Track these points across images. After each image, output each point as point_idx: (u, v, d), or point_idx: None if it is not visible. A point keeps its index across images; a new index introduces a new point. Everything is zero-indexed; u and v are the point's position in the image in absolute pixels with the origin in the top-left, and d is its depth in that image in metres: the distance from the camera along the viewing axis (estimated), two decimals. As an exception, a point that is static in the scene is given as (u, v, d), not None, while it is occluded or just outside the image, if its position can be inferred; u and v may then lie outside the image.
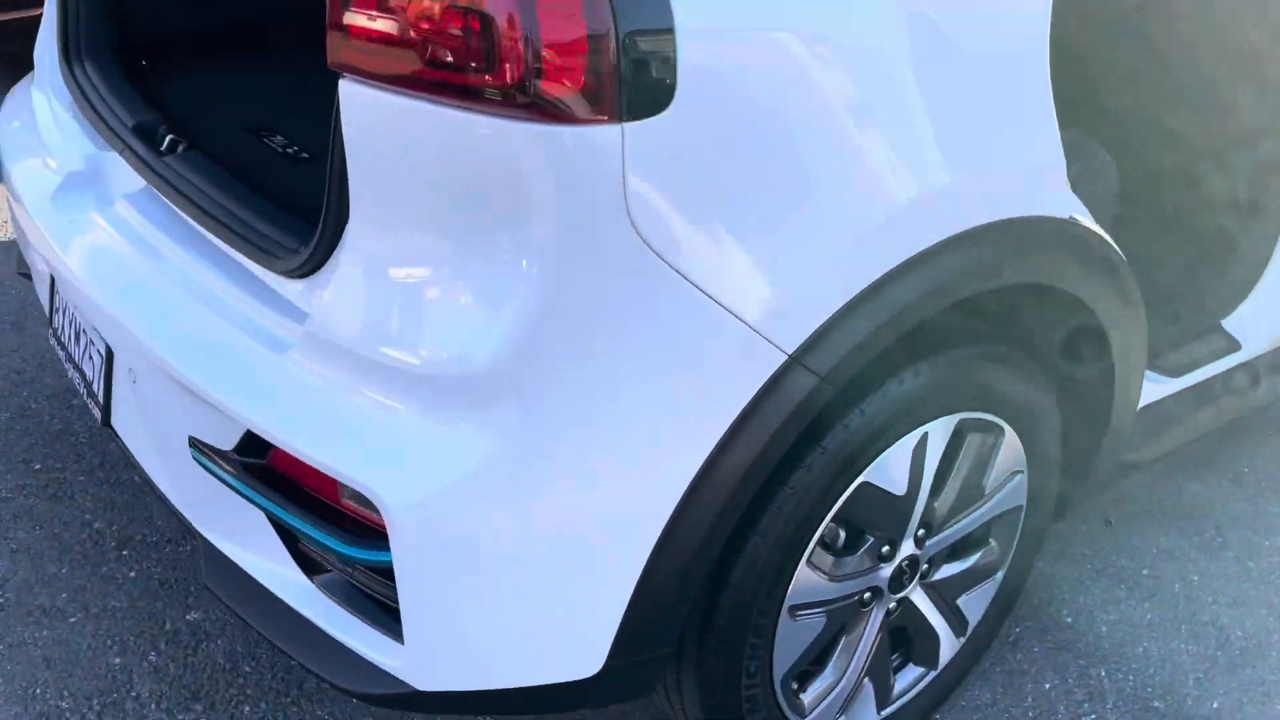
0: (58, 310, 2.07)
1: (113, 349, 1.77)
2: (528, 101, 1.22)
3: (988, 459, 1.84)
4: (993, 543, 1.97)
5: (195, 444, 1.59)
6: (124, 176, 1.91)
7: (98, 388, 1.89)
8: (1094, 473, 2.07)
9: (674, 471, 1.42)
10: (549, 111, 1.22)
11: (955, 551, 1.93)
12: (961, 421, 1.75)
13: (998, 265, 1.61)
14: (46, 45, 2.35)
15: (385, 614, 1.50)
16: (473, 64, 1.22)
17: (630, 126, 1.25)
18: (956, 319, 1.66)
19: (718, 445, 1.43)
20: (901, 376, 1.62)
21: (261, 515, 1.58)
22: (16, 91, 2.47)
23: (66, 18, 2.26)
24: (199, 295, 1.64)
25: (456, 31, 1.21)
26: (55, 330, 2.10)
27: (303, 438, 1.42)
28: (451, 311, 1.36)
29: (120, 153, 1.91)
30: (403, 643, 1.45)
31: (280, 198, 1.78)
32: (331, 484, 1.48)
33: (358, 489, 1.39)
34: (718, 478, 1.44)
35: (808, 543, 1.63)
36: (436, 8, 1.22)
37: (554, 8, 1.19)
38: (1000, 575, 2.02)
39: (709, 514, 1.46)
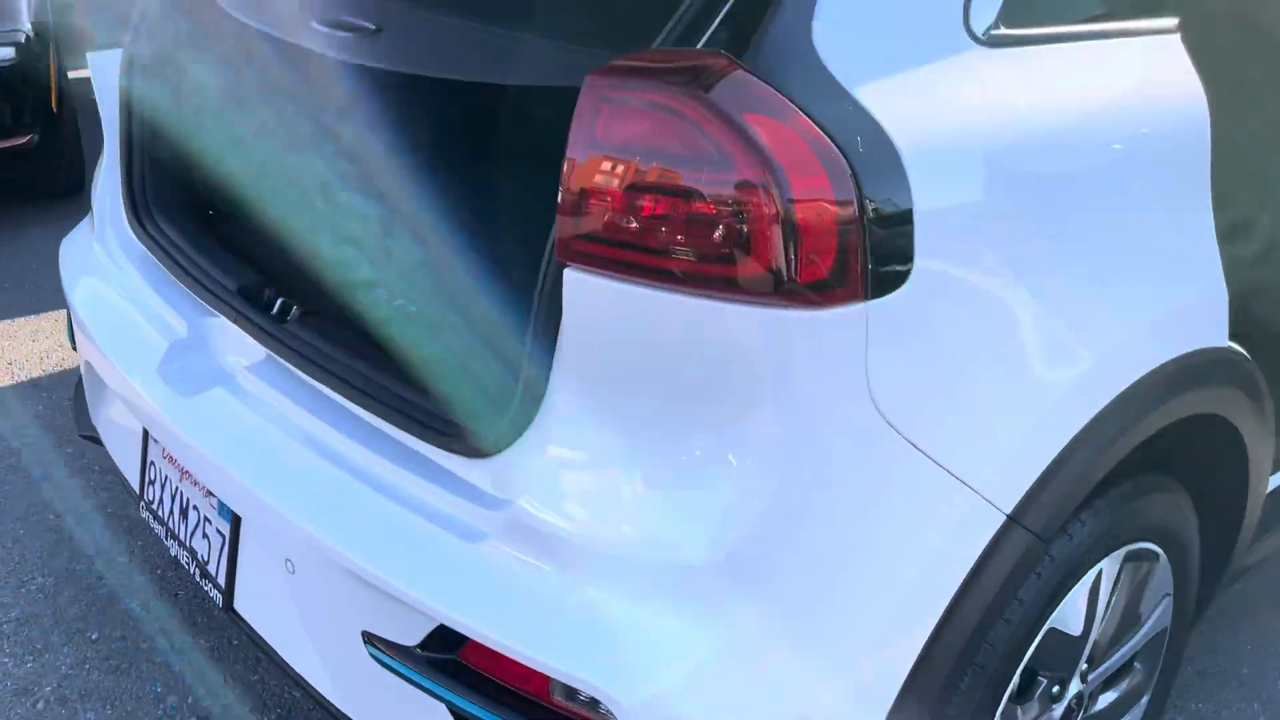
0: (153, 482, 1.97)
1: (251, 533, 1.68)
2: (776, 287, 1.18)
3: (1144, 586, 1.82)
4: (1138, 666, 1.95)
5: (371, 639, 1.50)
6: (238, 343, 1.82)
7: (216, 568, 1.78)
8: (1220, 581, 2.07)
9: (902, 649, 1.38)
10: (798, 296, 1.19)
11: (1109, 680, 1.90)
12: (1127, 553, 1.73)
13: (1178, 400, 1.60)
14: (108, 196, 2.27)
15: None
16: (721, 252, 1.18)
17: (873, 305, 1.22)
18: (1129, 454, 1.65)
19: (942, 616, 1.38)
20: (1082, 518, 1.59)
21: (442, 710, 1.48)
22: (71, 243, 2.37)
23: (131, 171, 2.18)
24: (360, 477, 1.56)
25: (705, 220, 1.18)
26: (149, 503, 1.98)
27: (513, 634, 1.34)
28: (671, 498, 1.30)
29: (233, 319, 1.82)
30: (624, 846, 1.37)
31: (418, 363, 1.71)
32: (535, 679, 1.40)
33: (582, 688, 1.31)
34: (942, 648, 1.40)
35: (1002, 696, 1.58)
36: (683, 197, 1.18)
37: (808, 195, 1.16)
38: (1146, 699, 1.99)
39: (933, 686, 1.41)
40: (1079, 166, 1.41)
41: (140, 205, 2.19)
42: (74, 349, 2.27)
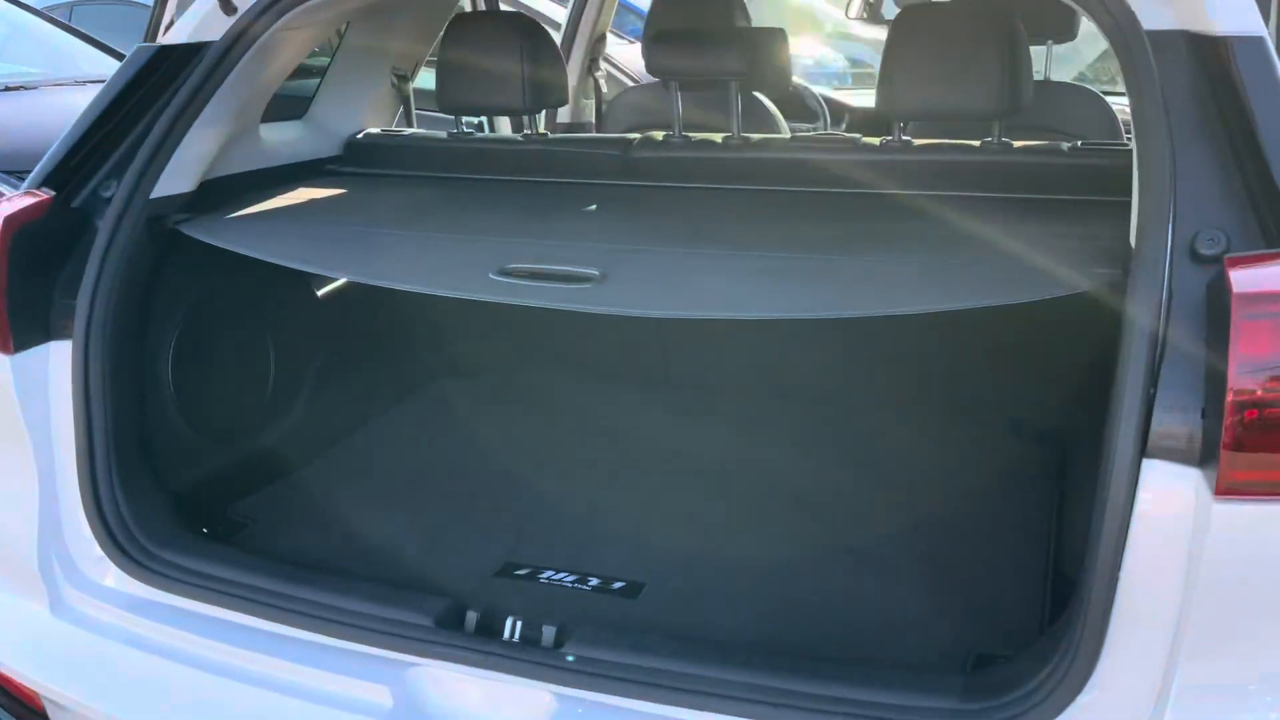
0: None
1: None
2: None
3: None
4: None
5: None
6: (486, 690, 1.38)
7: None
8: None
9: None
10: None
11: None
12: None
13: None
14: (48, 549, 1.61)
15: None
16: None
17: None
18: None
19: None
20: None
21: None
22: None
23: (101, 509, 1.61)
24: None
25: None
26: None
27: None
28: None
29: (480, 664, 1.38)
30: None
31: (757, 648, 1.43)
32: None
33: None
34: None
35: None
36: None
37: None
38: None
39: None
40: None
41: (125, 544, 1.61)
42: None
